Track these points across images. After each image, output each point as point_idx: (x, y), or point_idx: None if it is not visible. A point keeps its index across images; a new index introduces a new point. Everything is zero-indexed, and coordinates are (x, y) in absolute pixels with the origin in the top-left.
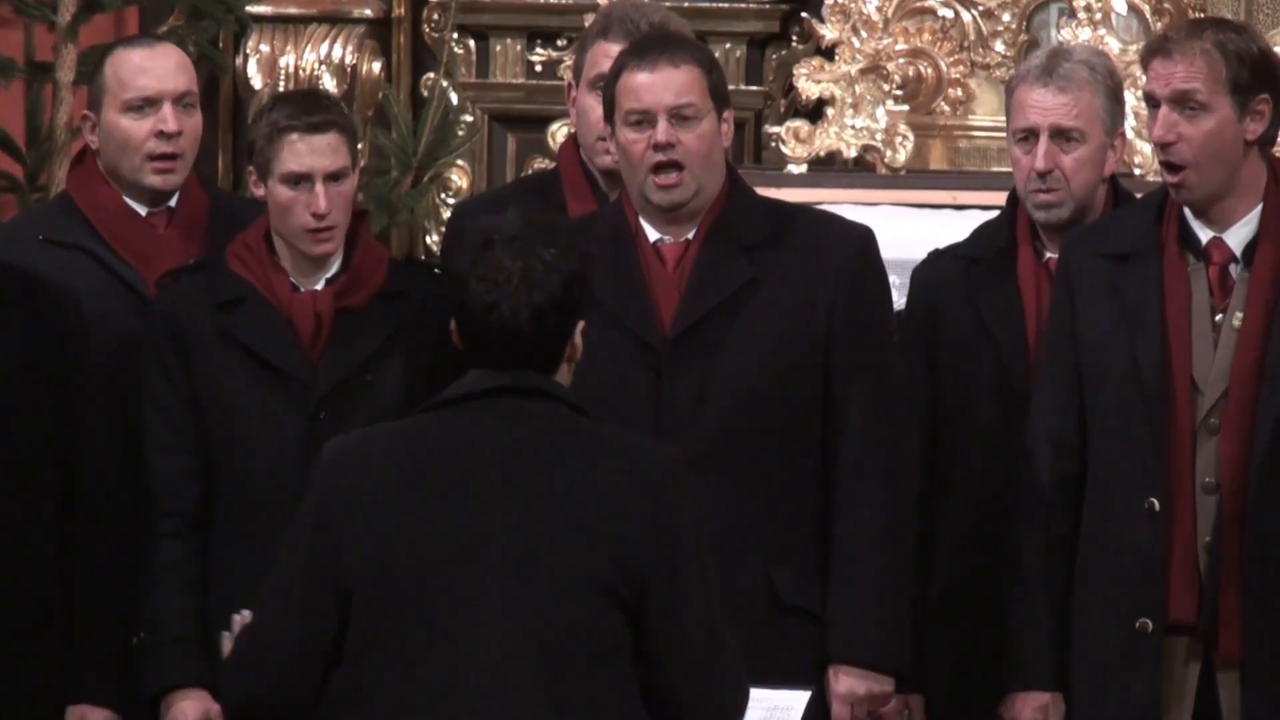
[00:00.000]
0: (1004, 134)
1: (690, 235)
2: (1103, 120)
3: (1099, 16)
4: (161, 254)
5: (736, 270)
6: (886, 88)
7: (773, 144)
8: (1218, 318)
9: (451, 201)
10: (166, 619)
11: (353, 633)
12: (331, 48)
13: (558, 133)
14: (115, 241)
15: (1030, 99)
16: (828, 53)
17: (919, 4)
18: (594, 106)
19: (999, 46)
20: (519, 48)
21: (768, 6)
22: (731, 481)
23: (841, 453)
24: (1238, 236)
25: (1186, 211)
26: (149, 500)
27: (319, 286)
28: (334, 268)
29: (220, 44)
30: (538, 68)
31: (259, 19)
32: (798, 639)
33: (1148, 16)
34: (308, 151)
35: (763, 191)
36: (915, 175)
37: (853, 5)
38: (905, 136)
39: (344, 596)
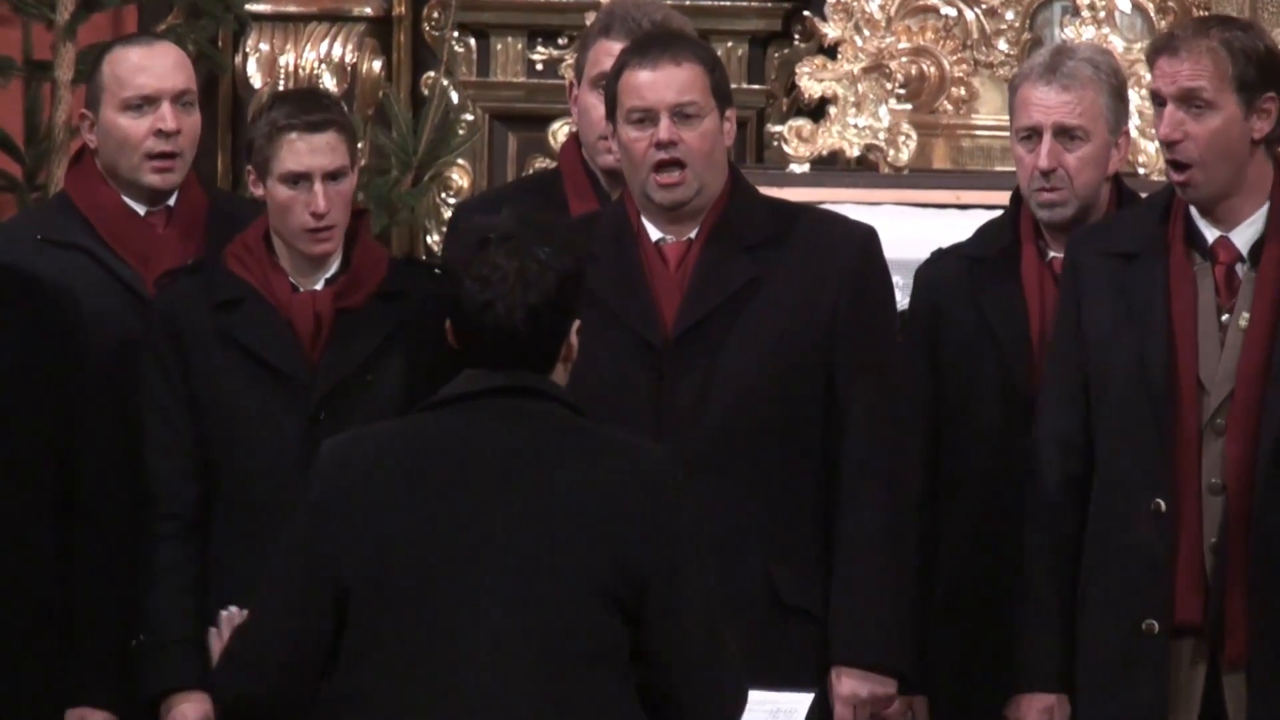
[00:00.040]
0: (1007, 133)
1: (692, 234)
2: (1106, 119)
3: (1103, 14)
4: (160, 254)
5: (739, 270)
6: (889, 86)
7: (775, 143)
8: (1224, 318)
9: (452, 201)
10: (166, 620)
11: (350, 633)
12: (331, 46)
13: (559, 132)
14: (114, 241)
15: (1034, 97)
16: (830, 51)
17: (922, 2)
18: (596, 105)
19: (1002, 45)
20: (520, 46)
21: (770, 5)
22: (733, 481)
23: (844, 453)
24: (1244, 236)
25: (1193, 210)
26: (148, 501)
27: (318, 286)
28: (333, 267)
29: (219, 43)
30: (539, 66)
31: (258, 17)
32: (799, 640)
33: (1152, 14)
34: (307, 151)
35: (765, 191)
36: (918, 175)
37: (855, 3)
38: (908, 135)
39: (341, 596)
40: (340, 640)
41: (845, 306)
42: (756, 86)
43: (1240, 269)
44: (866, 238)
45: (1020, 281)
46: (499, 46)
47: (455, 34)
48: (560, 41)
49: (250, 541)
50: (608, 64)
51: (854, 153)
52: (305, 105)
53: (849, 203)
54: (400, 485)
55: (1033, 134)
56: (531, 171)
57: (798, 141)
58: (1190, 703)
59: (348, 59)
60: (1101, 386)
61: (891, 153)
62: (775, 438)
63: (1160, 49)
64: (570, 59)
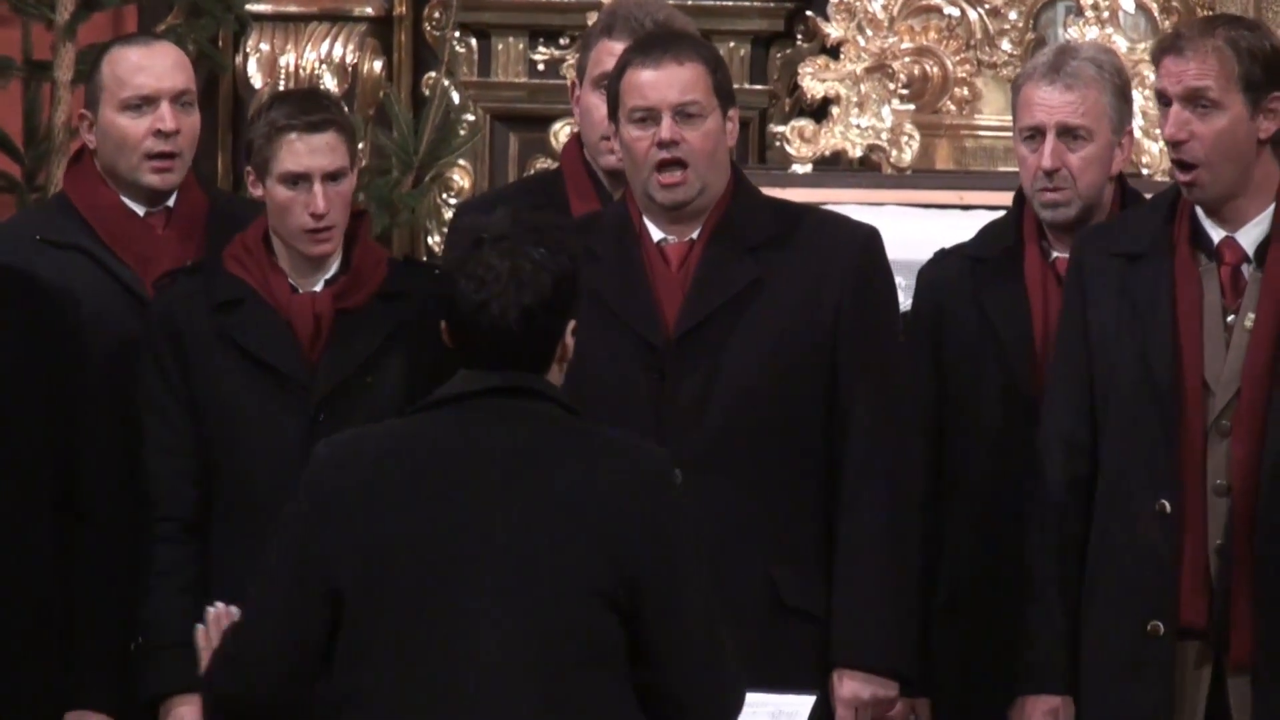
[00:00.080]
0: (1010, 133)
1: (694, 235)
2: (1110, 118)
3: (1106, 15)
4: (159, 254)
5: (741, 270)
6: (892, 87)
7: (777, 143)
8: (1230, 318)
9: (453, 201)
10: (165, 623)
11: (346, 634)
12: (332, 46)
13: (560, 132)
14: (112, 242)
15: (1037, 97)
16: (833, 51)
17: (925, 2)
18: (598, 105)
19: (1005, 45)
20: (521, 46)
21: (772, 5)
22: (733, 482)
23: (846, 453)
24: (1250, 236)
25: (1198, 211)
26: (147, 503)
27: (318, 287)
28: (333, 268)
29: (220, 43)
30: (540, 66)
31: (259, 17)
32: (799, 641)
33: (1155, 15)
34: (306, 151)
35: (767, 191)
36: (921, 175)
37: (858, 3)
38: (911, 136)
39: (335, 598)
40: (334, 641)
41: (848, 307)
42: (759, 87)
43: (1246, 269)
44: (869, 238)
45: (1023, 282)
46: (500, 46)
47: (456, 34)
48: (562, 41)
49: (250, 542)
50: (610, 64)
51: (857, 153)
52: (305, 105)
53: (852, 203)
54: (396, 486)
55: (1036, 134)
56: (533, 172)
57: (800, 142)
58: (1195, 705)
59: (348, 59)
60: (1106, 387)
61: (894, 153)
62: (776, 438)
63: (1166, 48)
64: (572, 59)
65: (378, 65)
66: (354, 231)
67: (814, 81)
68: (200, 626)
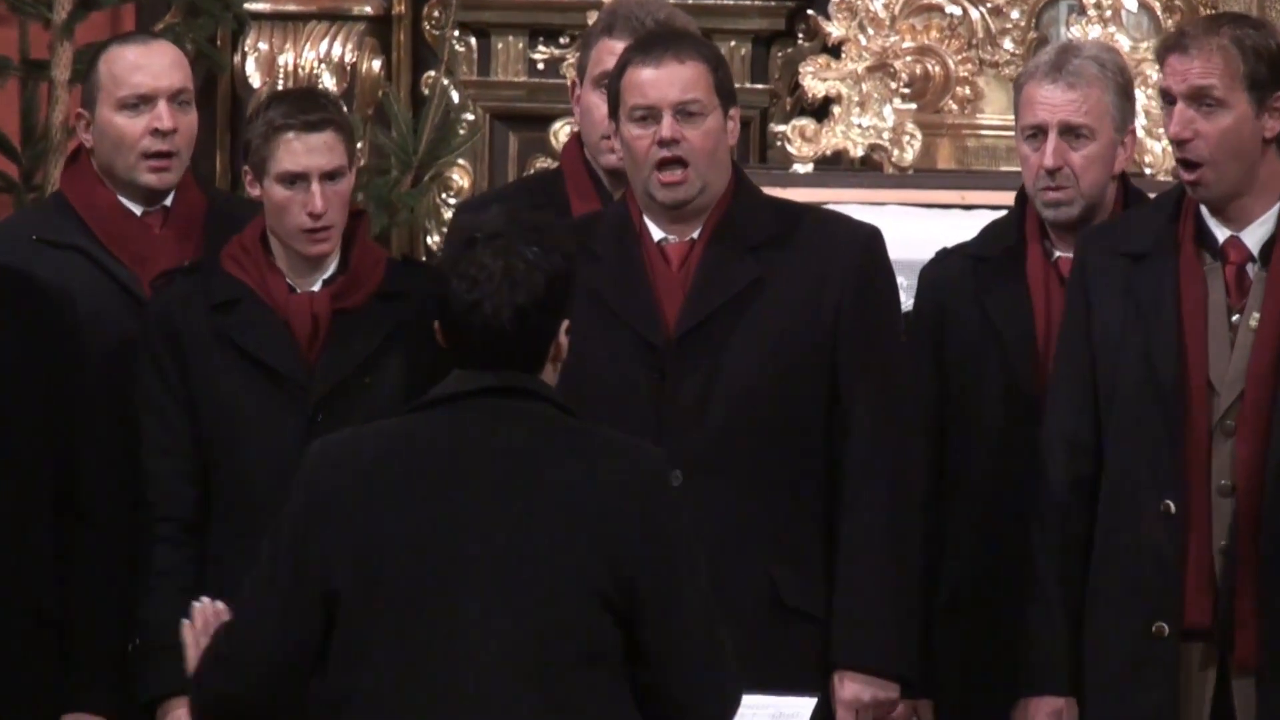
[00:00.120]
0: (1012, 133)
1: (695, 234)
2: (1112, 117)
3: (1109, 14)
4: (157, 254)
5: (742, 270)
6: (894, 86)
7: (778, 143)
8: (1234, 318)
9: (452, 201)
10: (163, 624)
11: (342, 635)
12: (331, 45)
13: (560, 132)
14: (110, 241)
15: (1039, 95)
16: (834, 50)
17: (926, 1)
18: (598, 105)
19: (1007, 44)
20: (521, 45)
21: (773, 4)
22: (734, 482)
23: (847, 453)
24: (1255, 235)
25: (1203, 210)
26: (145, 503)
27: (316, 287)
28: (331, 268)
29: (218, 42)
30: (540, 65)
31: (257, 16)
32: (800, 642)
33: (1158, 14)
34: (304, 150)
35: (768, 191)
36: (923, 175)
37: (859, 2)
38: (913, 135)
39: (330, 598)
40: (329, 642)
41: (849, 307)
42: (760, 86)
43: (1251, 269)
44: (871, 238)
45: (1025, 281)
46: (500, 45)
47: (456, 33)
48: (562, 40)
49: (248, 542)
50: (610, 63)
51: (858, 153)
52: (302, 105)
53: (853, 203)
54: (392, 486)
55: (1038, 132)
56: (533, 171)
57: (801, 141)
58: (1200, 707)
59: (347, 58)
60: (1110, 387)
61: (896, 153)
62: (777, 438)
63: (1170, 47)
64: (572, 58)
65: (377, 64)
66: (352, 231)
67: (815, 81)
68: (186, 622)
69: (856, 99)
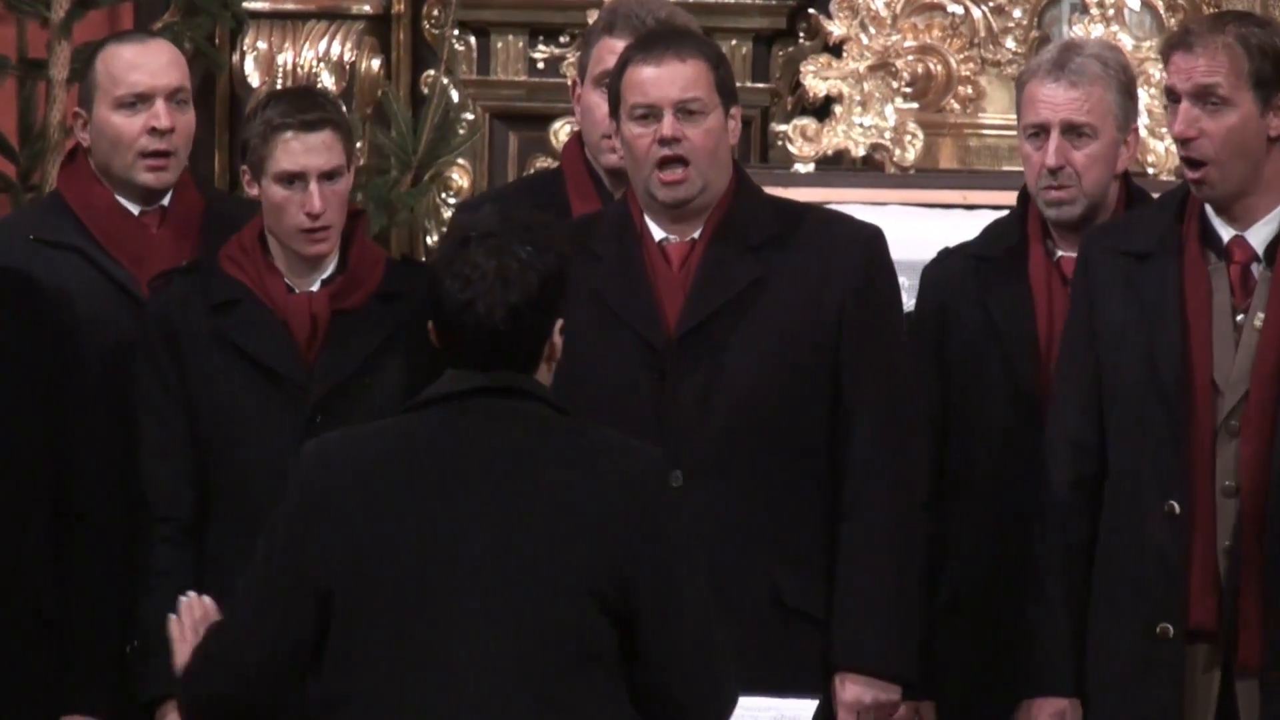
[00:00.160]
0: (1015, 132)
1: (696, 234)
2: (1115, 115)
3: (1111, 12)
4: (154, 254)
5: (743, 270)
6: (895, 85)
7: (779, 142)
8: (1239, 318)
9: (452, 201)
10: (161, 626)
11: (337, 636)
12: (330, 44)
13: (560, 131)
14: (107, 241)
15: (1041, 94)
16: (835, 49)
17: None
18: (599, 104)
19: (1010, 43)
20: (521, 44)
21: (774, 2)
22: (735, 483)
23: (849, 455)
24: (1260, 235)
25: (1208, 209)
26: (143, 505)
27: (314, 288)
28: (330, 268)
29: (216, 41)
30: (540, 65)
31: (256, 15)
32: (802, 644)
33: (1161, 12)
34: (302, 150)
35: (769, 191)
36: (925, 174)
37: (861, 1)
38: (914, 135)
39: (324, 600)
40: (323, 643)
41: (851, 307)
42: (761, 85)
43: (1256, 268)
44: (872, 238)
45: (1028, 281)
46: (500, 44)
47: (455, 32)
48: (562, 39)
49: (247, 543)
50: (611, 62)
51: (859, 152)
52: (300, 104)
53: (854, 203)
54: (385, 487)
55: (1040, 131)
56: (533, 171)
57: (802, 141)
58: (1205, 708)
59: (346, 57)
60: (1114, 387)
61: (897, 152)
62: (778, 439)
63: (1175, 45)
64: (572, 57)
65: (376, 63)
66: (351, 231)
67: (816, 80)
68: (173, 617)
69: (858, 98)
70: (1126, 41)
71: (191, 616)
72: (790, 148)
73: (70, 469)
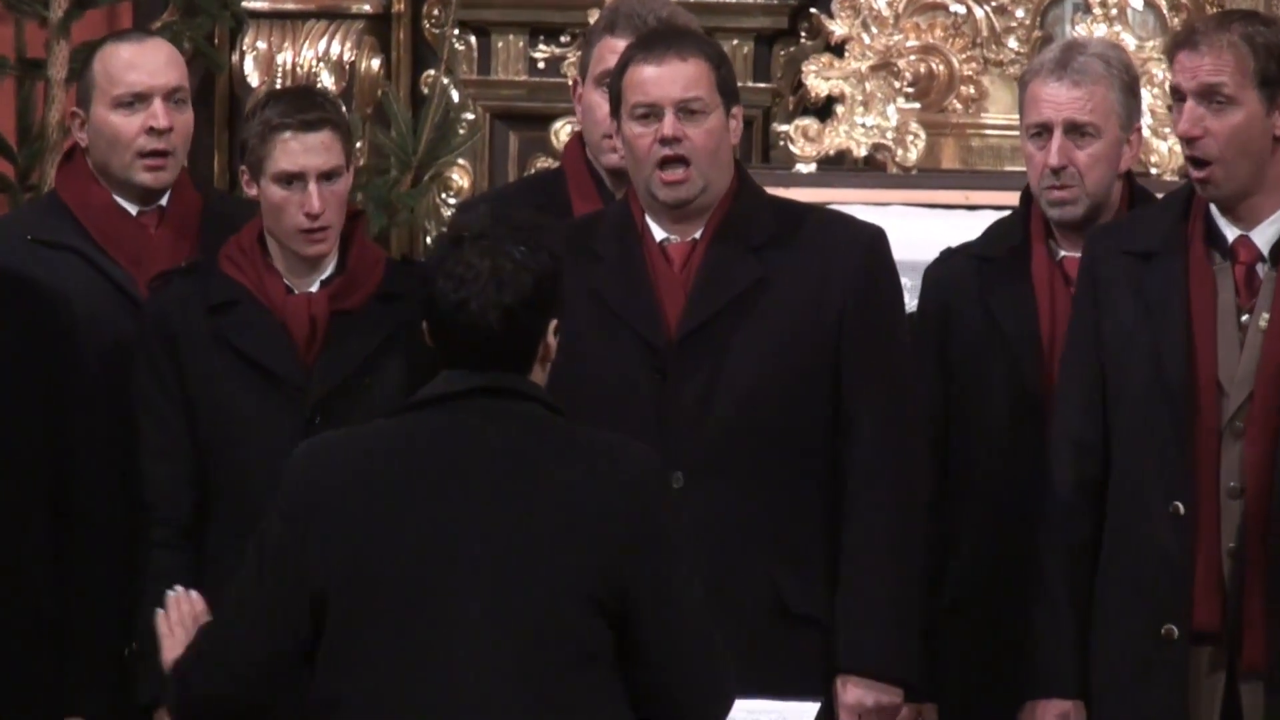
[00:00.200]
0: (1017, 132)
1: (697, 234)
2: (1118, 115)
3: (1114, 12)
4: (152, 254)
5: (744, 270)
6: (897, 85)
7: (781, 143)
8: (1244, 318)
9: (452, 202)
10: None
11: (331, 637)
12: (330, 44)
13: (561, 131)
14: (105, 241)
15: (1044, 93)
16: (837, 49)
17: None
18: (600, 104)
19: (1012, 43)
20: (521, 44)
21: (776, 2)
22: (736, 485)
23: (850, 456)
24: (1265, 235)
25: (1213, 209)
26: (142, 507)
27: (314, 289)
28: (329, 269)
29: (216, 40)
30: (540, 64)
31: (255, 15)
32: (804, 647)
33: (1164, 12)
34: (300, 150)
35: (771, 191)
36: (927, 175)
37: (863, 1)
38: (917, 135)
39: (318, 601)
40: (317, 644)
41: (852, 308)
42: (762, 85)
43: (1261, 269)
44: (874, 238)
45: (1030, 281)
46: (500, 44)
47: (456, 31)
48: (562, 39)
49: (246, 545)
50: (612, 61)
51: (861, 152)
52: (299, 104)
53: (856, 203)
54: (380, 489)
55: (1043, 131)
56: (533, 171)
57: (804, 141)
58: (1210, 710)
59: (346, 57)
60: (1119, 387)
61: (900, 152)
62: (779, 440)
63: (1180, 43)
64: (573, 57)
65: (376, 63)
66: (350, 232)
67: (818, 80)
68: (160, 611)
69: (860, 98)
70: (1129, 41)
71: (179, 611)
72: (792, 148)
73: (69, 469)
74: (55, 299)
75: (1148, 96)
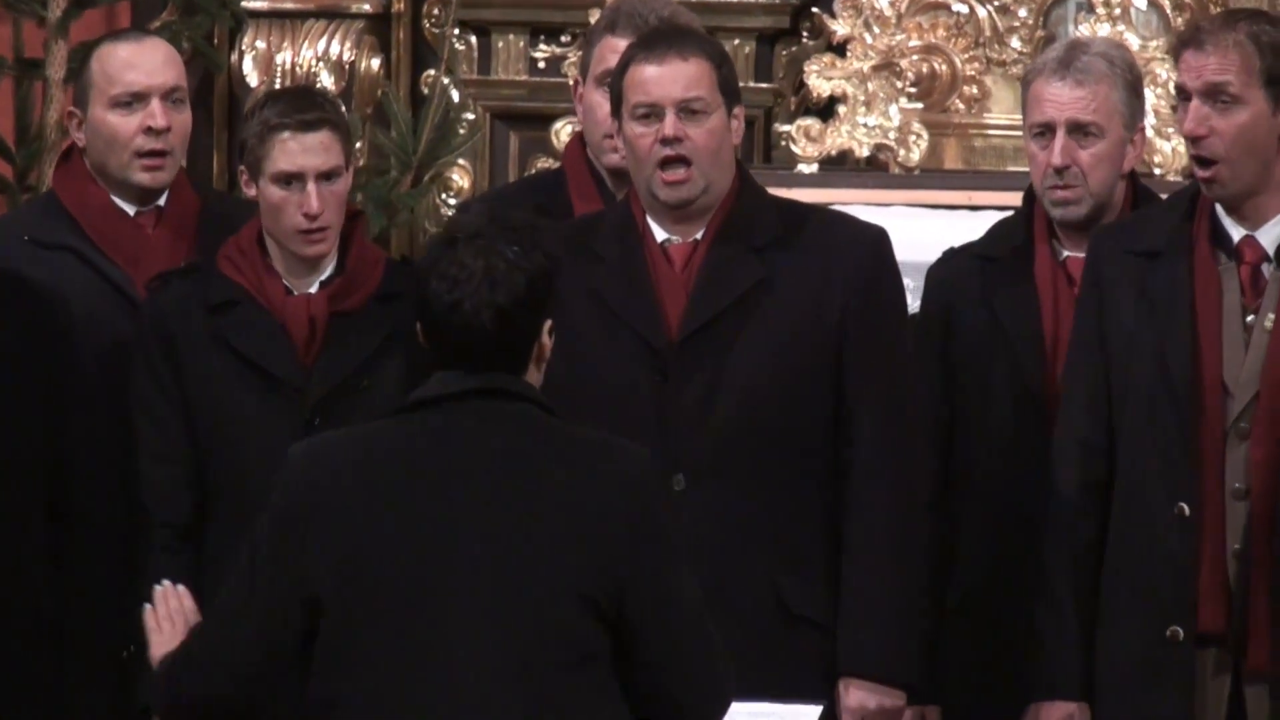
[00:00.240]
0: (1020, 132)
1: (699, 235)
2: (1122, 114)
3: (1118, 12)
4: (150, 255)
5: (746, 271)
6: (900, 85)
7: (783, 143)
8: (1249, 318)
9: (452, 202)
10: None
11: (326, 641)
12: (329, 44)
13: (561, 131)
14: (102, 242)
15: (1047, 93)
16: (839, 49)
17: None
18: (601, 103)
19: (1015, 43)
20: (522, 44)
21: (778, 1)
22: (738, 486)
23: (852, 457)
24: (1271, 235)
25: (1218, 209)
26: (141, 509)
27: (313, 289)
28: (328, 270)
29: (215, 40)
30: (541, 64)
31: (255, 14)
32: (805, 649)
33: (1168, 11)
34: (299, 150)
35: (773, 192)
36: (929, 175)
37: (865, 0)
38: (919, 135)
39: (312, 603)
40: (310, 647)
41: (855, 308)
42: (764, 85)
43: (1266, 269)
44: (877, 239)
45: (1033, 281)
46: (500, 44)
47: (456, 31)
48: (563, 39)
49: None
50: (613, 61)
51: (864, 153)
52: (298, 104)
53: (858, 204)
54: (374, 491)
55: (1046, 130)
56: (534, 171)
57: (806, 141)
58: (1215, 713)
59: (346, 57)
60: (1123, 388)
61: (902, 153)
62: (781, 442)
63: (1186, 42)
64: (573, 56)
65: (376, 63)
66: (349, 232)
67: (820, 80)
68: (148, 607)
69: (862, 98)
70: (1133, 41)
71: (166, 606)
72: (794, 148)
73: (68, 471)
74: (53, 299)
75: (1151, 96)
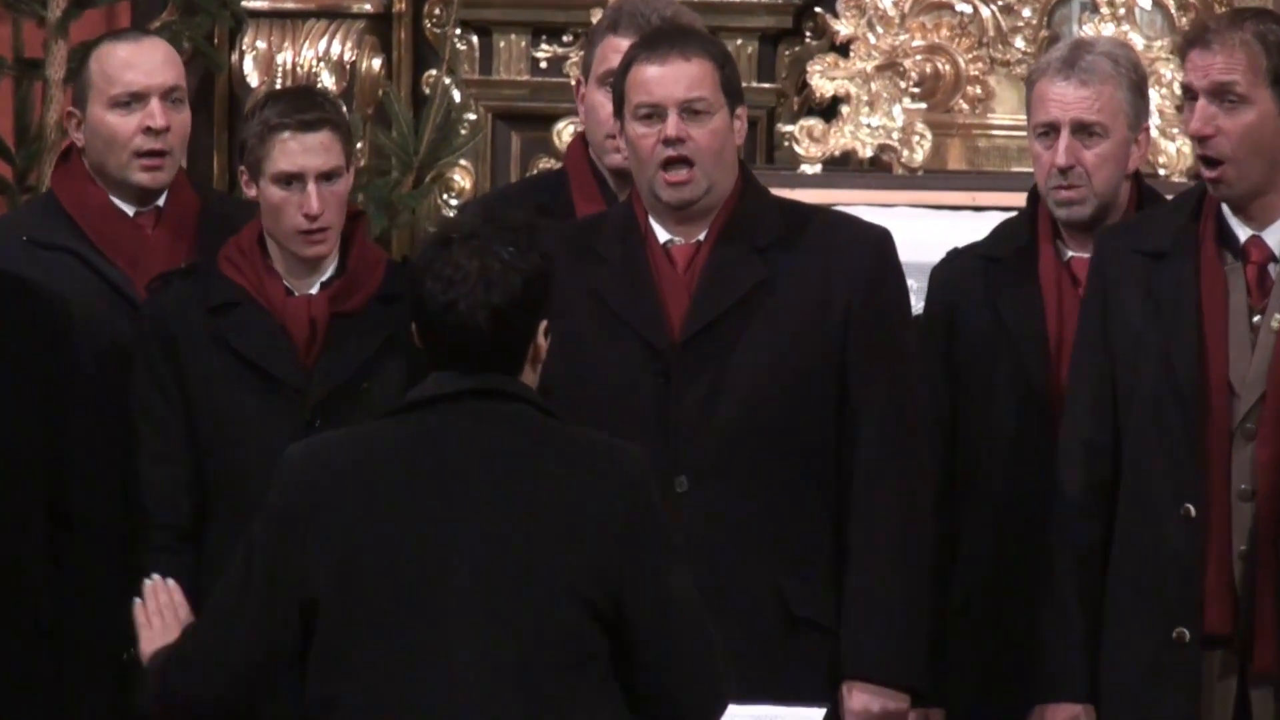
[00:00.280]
0: (1024, 133)
1: (702, 236)
2: (1126, 114)
3: (1122, 11)
4: (149, 255)
5: (749, 272)
6: (903, 85)
7: (786, 143)
8: (1255, 319)
9: (454, 202)
10: None
11: (323, 642)
12: (330, 44)
13: (563, 131)
14: (101, 242)
15: (1051, 92)
16: (842, 49)
17: None
18: (603, 103)
19: (1019, 43)
20: (523, 44)
21: (780, 1)
22: (741, 488)
23: (856, 459)
24: (1277, 235)
25: (1224, 208)
26: (140, 511)
27: (314, 290)
28: (329, 271)
29: (215, 40)
30: (543, 64)
31: (255, 14)
32: (809, 652)
33: (1172, 11)
34: (300, 150)
35: (776, 192)
36: (933, 175)
37: (868, 0)
38: (923, 135)
39: (308, 605)
40: (306, 646)
41: (858, 309)
42: (767, 85)
43: (1272, 269)
44: (881, 240)
45: (1037, 282)
46: (502, 44)
47: (457, 31)
48: (565, 39)
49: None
50: (615, 61)
51: (867, 153)
52: (298, 104)
53: (862, 204)
54: (370, 492)
55: (1050, 130)
56: (536, 172)
57: (809, 141)
58: (1221, 714)
59: (347, 57)
60: (1129, 389)
61: (905, 153)
62: (784, 443)
63: (1192, 41)
64: (575, 56)
65: (377, 63)
66: (350, 233)
67: (823, 80)
68: (138, 601)
69: (865, 98)
70: (1137, 41)
71: (156, 601)
72: (797, 148)
73: (67, 472)
74: (53, 300)
75: (1156, 96)
